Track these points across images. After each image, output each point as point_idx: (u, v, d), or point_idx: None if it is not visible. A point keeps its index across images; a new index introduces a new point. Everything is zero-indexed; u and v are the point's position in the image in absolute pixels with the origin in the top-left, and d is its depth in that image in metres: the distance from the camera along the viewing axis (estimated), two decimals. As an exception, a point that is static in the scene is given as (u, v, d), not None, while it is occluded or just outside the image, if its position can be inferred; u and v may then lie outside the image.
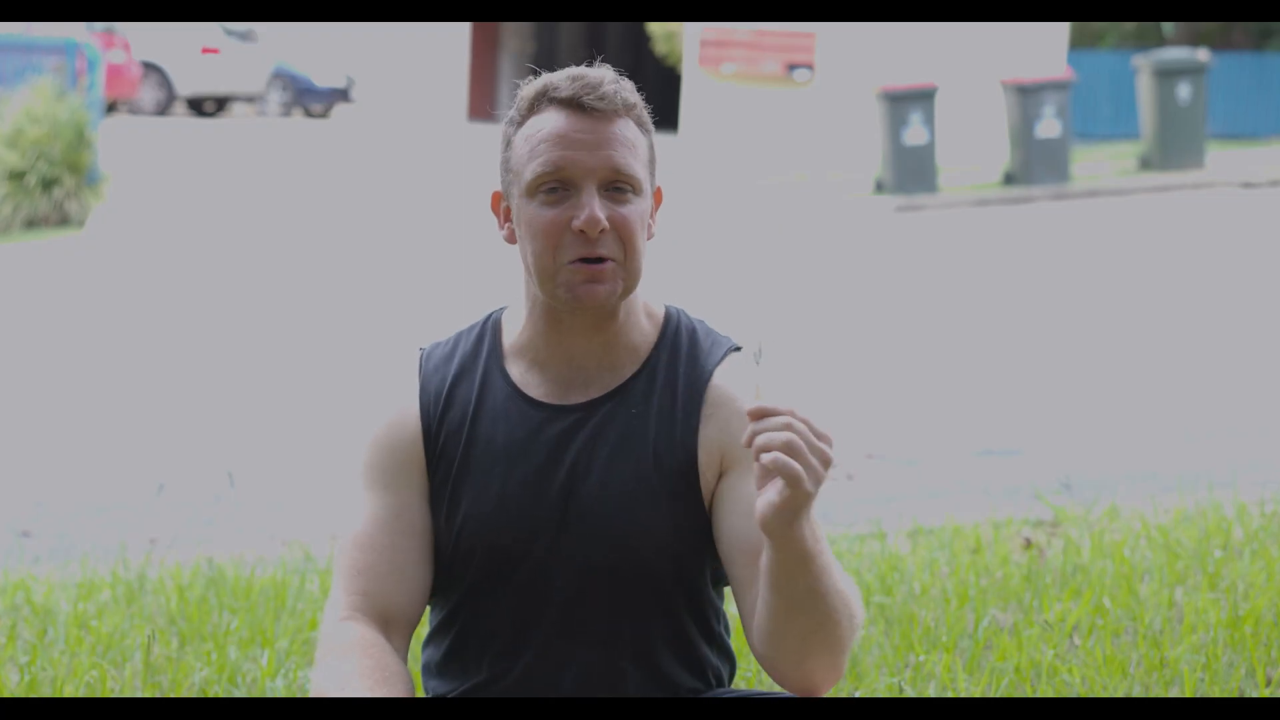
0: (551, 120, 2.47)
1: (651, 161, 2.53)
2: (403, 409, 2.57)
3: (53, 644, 4.30)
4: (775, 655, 2.38)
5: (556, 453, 2.51)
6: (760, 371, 2.31)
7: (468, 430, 2.54)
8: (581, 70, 2.50)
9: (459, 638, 2.57)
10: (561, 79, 2.48)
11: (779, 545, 2.26)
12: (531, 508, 2.50)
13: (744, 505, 2.44)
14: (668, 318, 2.58)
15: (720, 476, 2.49)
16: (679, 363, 2.54)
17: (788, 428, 2.19)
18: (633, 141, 2.48)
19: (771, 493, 2.22)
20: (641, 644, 2.52)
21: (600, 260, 2.44)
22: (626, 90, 2.50)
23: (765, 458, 2.19)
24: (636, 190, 2.47)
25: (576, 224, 2.43)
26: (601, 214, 2.43)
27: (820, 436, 2.21)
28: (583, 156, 2.44)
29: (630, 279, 2.47)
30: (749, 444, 2.21)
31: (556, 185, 2.45)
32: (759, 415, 2.21)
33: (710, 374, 2.53)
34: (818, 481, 2.20)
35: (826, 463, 2.20)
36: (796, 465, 2.18)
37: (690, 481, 2.50)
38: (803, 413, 2.21)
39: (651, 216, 2.54)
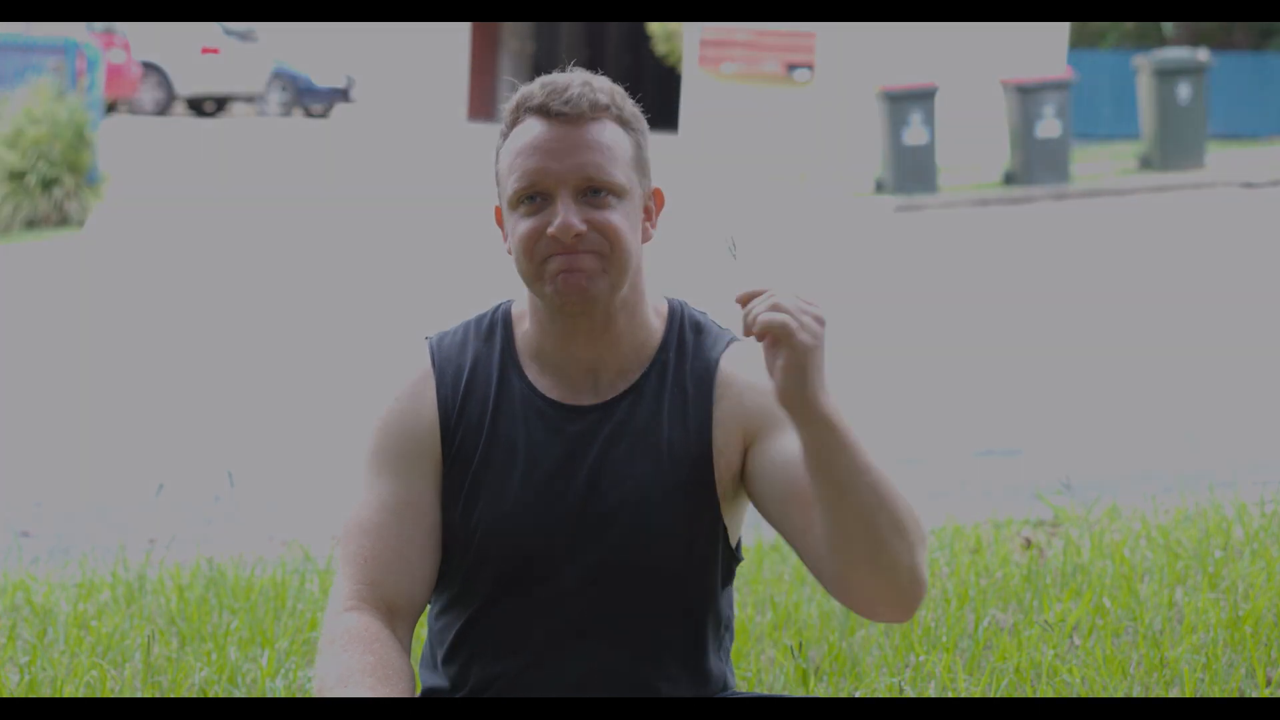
0: (527, 130, 2.47)
1: (639, 161, 2.50)
2: (418, 397, 2.55)
3: (53, 644, 4.30)
4: (849, 558, 2.33)
5: (575, 454, 2.51)
6: (738, 264, 2.40)
7: (488, 428, 2.53)
8: (553, 76, 2.50)
9: (468, 631, 2.56)
10: (535, 87, 2.49)
11: (805, 419, 2.28)
12: (550, 509, 2.50)
13: (782, 457, 2.45)
14: (671, 312, 2.59)
15: (746, 452, 2.50)
16: (686, 357, 2.55)
17: (771, 295, 2.28)
18: (608, 144, 2.46)
19: (777, 359, 2.27)
20: (648, 644, 2.52)
21: (589, 255, 2.44)
22: (598, 92, 2.48)
23: (758, 323, 2.26)
24: (617, 193, 2.46)
25: (550, 230, 2.44)
26: (576, 219, 2.43)
27: (806, 300, 2.29)
28: (553, 165, 2.44)
29: (617, 275, 2.46)
30: (746, 331, 2.28)
31: (535, 195, 2.45)
32: (745, 300, 2.29)
33: (717, 361, 2.54)
34: (813, 334, 2.26)
35: (819, 319, 2.28)
36: (784, 316, 2.25)
37: (705, 478, 2.51)
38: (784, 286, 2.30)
39: (651, 219, 2.53)
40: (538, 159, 2.45)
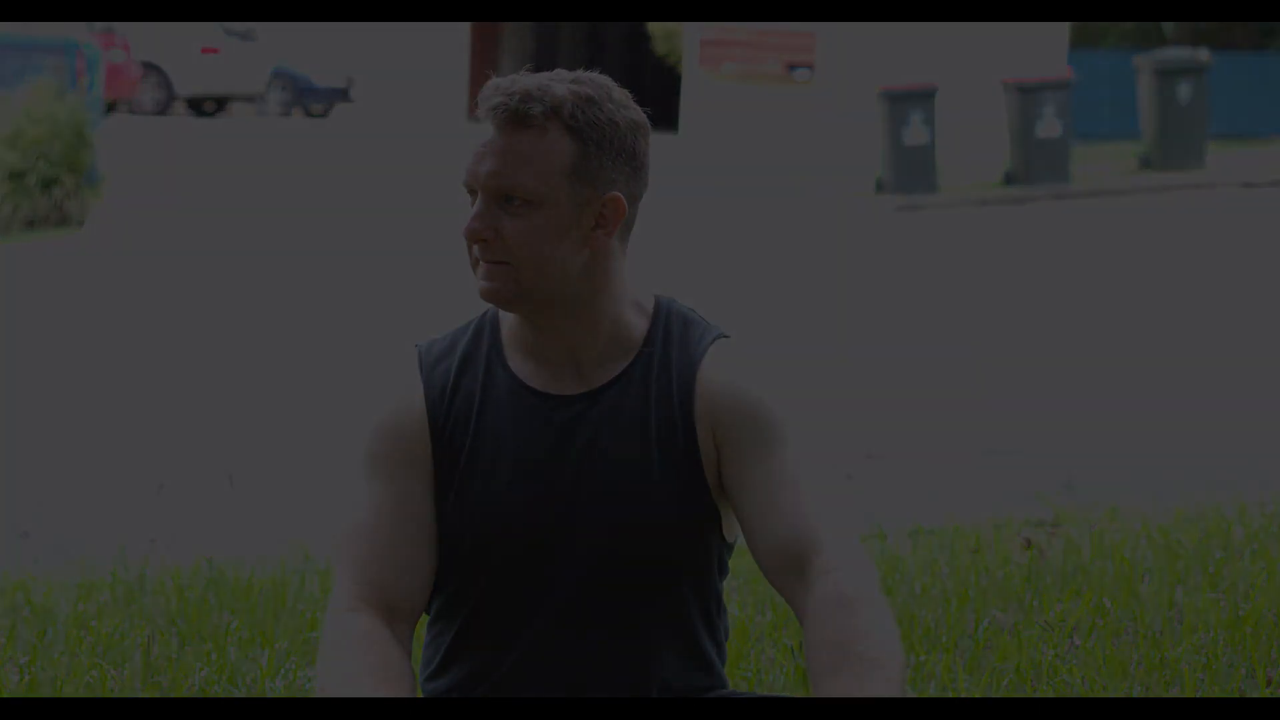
0: (482, 128, 2.52)
1: (579, 170, 2.48)
2: (408, 400, 2.57)
3: (53, 644, 4.30)
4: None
5: (563, 442, 2.53)
6: None
7: (475, 421, 2.55)
8: (511, 78, 2.51)
9: (463, 627, 2.57)
10: (489, 86, 2.51)
11: None
12: (541, 496, 2.52)
13: (752, 482, 2.47)
14: (658, 307, 2.60)
15: (719, 452, 2.51)
16: (672, 349, 2.57)
17: None
18: (528, 153, 2.47)
19: None
20: (645, 632, 2.53)
21: (495, 263, 2.49)
22: (536, 100, 2.47)
23: None
24: (532, 201, 2.48)
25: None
26: (479, 222, 2.49)
27: None
28: (475, 168, 2.50)
29: (524, 285, 2.49)
30: None
31: (472, 191, 2.52)
32: None
33: (702, 355, 2.55)
34: None
35: None
36: None
37: (693, 464, 2.52)
38: None
39: (601, 226, 2.51)
40: (471, 160, 2.51)
